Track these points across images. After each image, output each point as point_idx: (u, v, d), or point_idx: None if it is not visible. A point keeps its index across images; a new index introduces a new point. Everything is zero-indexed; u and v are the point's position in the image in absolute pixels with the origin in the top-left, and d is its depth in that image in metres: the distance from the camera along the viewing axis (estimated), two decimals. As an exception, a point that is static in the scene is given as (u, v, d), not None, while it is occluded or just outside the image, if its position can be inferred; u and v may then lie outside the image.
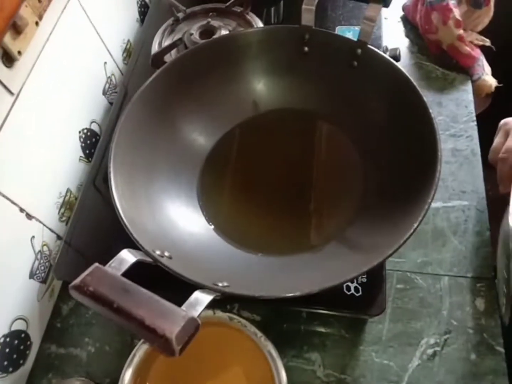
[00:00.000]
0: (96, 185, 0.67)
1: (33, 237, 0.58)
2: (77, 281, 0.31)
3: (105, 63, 0.73)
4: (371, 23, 0.45)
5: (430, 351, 0.53)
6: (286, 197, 0.51)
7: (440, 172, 0.37)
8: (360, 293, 0.48)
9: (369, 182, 0.48)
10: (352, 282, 0.49)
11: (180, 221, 0.46)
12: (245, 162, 0.54)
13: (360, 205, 0.47)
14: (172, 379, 0.52)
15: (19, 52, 0.52)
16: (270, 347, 0.49)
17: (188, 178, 0.51)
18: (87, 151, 0.69)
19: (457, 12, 0.71)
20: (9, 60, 0.51)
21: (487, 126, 0.67)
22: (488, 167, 0.60)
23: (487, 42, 0.77)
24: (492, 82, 0.74)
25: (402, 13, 0.82)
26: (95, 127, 0.71)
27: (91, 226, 0.64)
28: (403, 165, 0.44)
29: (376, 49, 0.47)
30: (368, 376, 0.53)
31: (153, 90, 0.47)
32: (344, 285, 0.49)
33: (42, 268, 0.60)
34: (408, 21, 0.80)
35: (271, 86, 0.55)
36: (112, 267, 0.32)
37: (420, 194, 0.38)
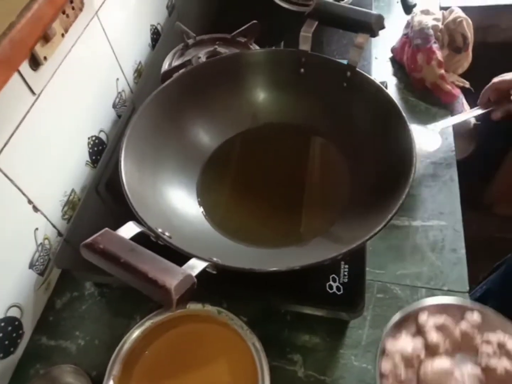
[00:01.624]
0: (98, 190, 0.71)
1: (37, 229, 0.61)
2: (88, 240, 0.34)
3: (117, 79, 0.80)
4: (359, 49, 0.52)
5: (406, 356, 0.56)
6: (278, 198, 0.56)
7: (413, 175, 0.42)
8: (342, 291, 0.52)
9: (353, 187, 0.53)
10: (334, 281, 0.52)
11: (180, 210, 0.50)
12: (242, 165, 0.59)
13: (345, 206, 0.51)
14: (159, 372, 0.54)
15: (45, 58, 0.58)
16: (255, 340, 0.52)
17: (190, 174, 0.55)
18: (93, 157, 0.74)
19: (439, 54, 0.79)
20: (36, 63, 0.57)
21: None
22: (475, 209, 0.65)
23: (467, 84, 0.85)
24: (471, 120, 0.82)
25: (390, 54, 0.90)
26: (103, 136, 0.76)
27: (91, 227, 0.67)
28: (384, 171, 0.49)
29: (363, 72, 0.53)
30: (347, 378, 0.55)
31: (166, 94, 0.53)
32: (327, 285, 0.52)
33: (42, 260, 0.63)
34: (395, 61, 0.88)
35: (269, 101, 0.61)
36: (121, 232, 0.36)
37: (396, 194, 0.43)
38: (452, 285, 0.61)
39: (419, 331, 0.48)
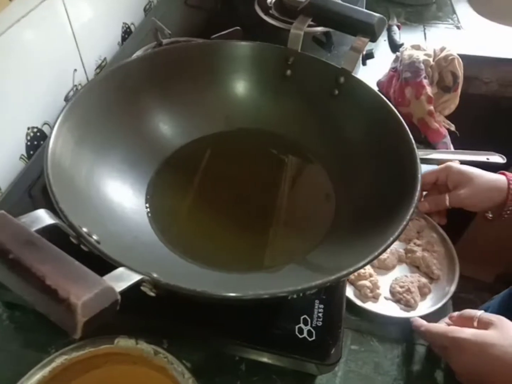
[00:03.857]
0: (31, 193, 0.58)
1: None
2: (-32, 223, 0.23)
3: (75, 70, 0.70)
4: (356, 53, 0.45)
5: (382, 427, 0.46)
6: (246, 215, 0.46)
7: (420, 191, 0.34)
8: (314, 337, 0.41)
9: (338, 210, 0.44)
10: (306, 324, 0.42)
11: (119, 213, 0.39)
12: (207, 173, 0.49)
13: (326, 231, 0.42)
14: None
15: (-19, 17, 0.48)
16: (199, 393, 0.40)
17: (141, 172, 0.45)
18: (31, 151, 0.62)
19: (429, 90, 0.74)
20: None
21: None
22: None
23: (452, 127, 0.81)
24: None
25: (376, 88, 0.85)
26: (46, 129, 0.65)
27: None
28: (380, 188, 0.41)
29: (359, 78, 0.46)
30: None
31: (125, 72, 0.44)
32: (296, 328, 0.42)
33: None
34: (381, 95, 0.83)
35: (247, 104, 0.52)
36: (22, 221, 0.25)
37: (396, 214, 0.34)
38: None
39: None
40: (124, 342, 0.42)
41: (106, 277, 0.23)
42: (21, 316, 0.52)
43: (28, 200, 0.58)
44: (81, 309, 0.20)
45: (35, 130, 0.63)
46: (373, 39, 0.45)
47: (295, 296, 0.31)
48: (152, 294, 0.29)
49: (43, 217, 0.27)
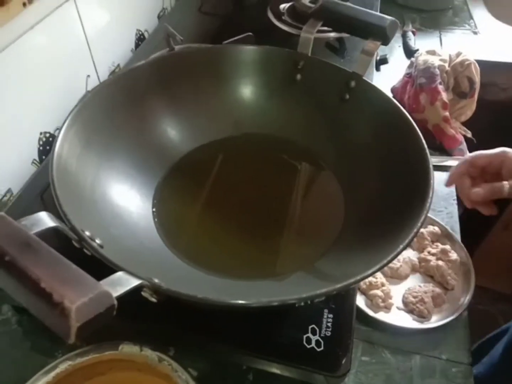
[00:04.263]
0: (43, 197, 0.59)
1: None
2: (-34, 224, 0.23)
3: (88, 76, 0.70)
4: (368, 57, 0.44)
5: None
6: (254, 222, 0.45)
7: (431, 198, 0.33)
8: (322, 348, 0.40)
9: (350, 215, 0.43)
10: (314, 333, 0.41)
11: (125, 217, 0.39)
12: (215, 179, 0.49)
13: (335, 239, 0.41)
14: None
15: (-4, 23, 0.49)
16: (202, 403, 0.39)
17: (149, 177, 0.45)
18: (44, 157, 0.63)
19: (444, 95, 0.73)
20: (-18, 26, 0.48)
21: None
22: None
23: (469, 134, 0.79)
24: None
25: (390, 94, 0.84)
26: (59, 134, 0.65)
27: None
28: (391, 195, 0.40)
29: (371, 82, 0.45)
30: None
31: (134, 76, 0.44)
32: (304, 337, 0.41)
33: None
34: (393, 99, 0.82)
35: (255, 108, 0.51)
36: (22, 224, 0.25)
37: (407, 222, 0.33)
38: (452, 354, 0.50)
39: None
40: (128, 349, 0.42)
41: (104, 282, 0.23)
42: (29, 321, 0.52)
43: (40, 204, 0.58)
44: (75, 313, 0.20)
45: (47, 135, 0.63)
46: (385, 42, 0.44)
47: (302, 303, 0.30)
48: (153, 300, 0.28)
49: (44, 220, 0.26)
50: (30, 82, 0.58)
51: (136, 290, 0.26)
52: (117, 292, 0.23)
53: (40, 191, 0.57)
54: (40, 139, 0.62)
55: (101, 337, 0.41)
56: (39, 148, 0.62)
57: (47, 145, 0.63)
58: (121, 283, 0.24)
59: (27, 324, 0.52)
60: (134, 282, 0.24)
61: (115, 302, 0.22)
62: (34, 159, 0.62)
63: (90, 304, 0.20)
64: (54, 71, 0.62)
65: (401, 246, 0.30)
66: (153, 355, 0.41)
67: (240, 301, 0.27)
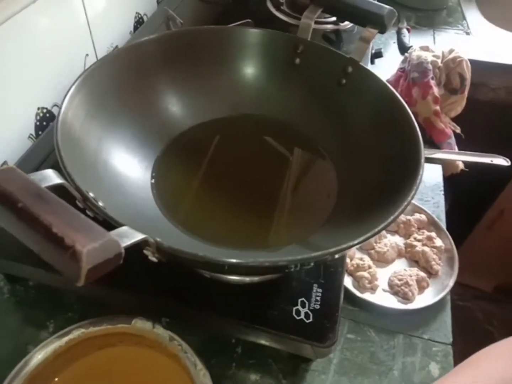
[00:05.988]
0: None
1: None
2: (-20, 173, 0.24)
3: (87, 55, 0.71)
4: (365, 43, 0.46)
5: (375, 414, 0.46)
6: (250, 197, 0.46)
7: (420, 181, 0.35)
8: (311, 319, 0.42)
9: (343, 194, 0.44)
10: (303, 306, 0.43)
11: (126, 187, 0.40)
12: (212, 156, 0.50)
13: (330, 215, 0.43)
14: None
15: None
16: (208, 387, 0.40)
17: (149, 149, 0.46)
18: (40, 132, 0.63)
19: (436, 90, 0.75)
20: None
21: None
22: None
23: (458, 129, 0.81)
24: (460, 164, 0.77)
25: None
26: (56, 110, 0.66)
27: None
28: (382, 174, 0.41)
29: (367, 67, 0.47)
30: None
31: (138, 51, 0.45)
32: (294, 309, 0.43)
33: None
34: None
35: (255, 90, 0.53)
36: (32, 176, 0.26)
37: (398, 198, 0.34)
38: (433, 334, 0.52)
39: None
40: (141, 324, 0.42)
41: (112, 232, 0.24)
42: (23, 291, 0.53)
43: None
44: (86, 256, 0.21)
45: (44, 110, 0.64)
46: (382, 30, 0.46)
47: (292, 268, 0.31)
48: (154, 259, 0.29)
49: (52, 176, 0.27)
50: (28, 58, 0.58)
51: (139, 247, 0.27)
52: (124, 243, 0.24)
53: (36, 165, 0.58)
54: (37, 114, 0.62)
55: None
56: (36, 123, 0.62)
57: (43, 120, 0.64)
58: (127, 236, 0.25)
59: (20, 295, 0.53)
60: (139, 236, 0.25)
61: (123, 250, 0.23)
62: (31, 134, 0.62)
63: (100, 249, 0.21)
64: (53, 48, 0.62)
65: (391, 218, 0.32)
66: (164, 334, 0.42)
67: (237, 260, 0.29)
